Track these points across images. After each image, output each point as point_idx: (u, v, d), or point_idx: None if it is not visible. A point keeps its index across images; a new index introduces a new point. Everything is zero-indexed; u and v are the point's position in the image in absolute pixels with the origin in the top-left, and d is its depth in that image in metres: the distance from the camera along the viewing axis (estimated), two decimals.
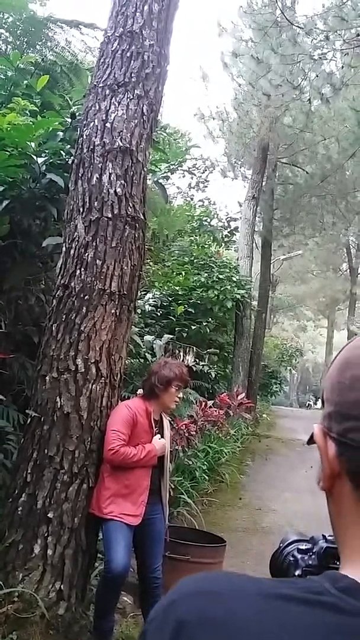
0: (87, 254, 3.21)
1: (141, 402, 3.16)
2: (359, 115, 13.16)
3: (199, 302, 10.64)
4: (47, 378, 3.12)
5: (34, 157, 4.18)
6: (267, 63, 9.86)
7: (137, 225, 3.33)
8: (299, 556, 0.77)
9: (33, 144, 4.12)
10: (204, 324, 10.38)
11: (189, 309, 10.63)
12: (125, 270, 3.27)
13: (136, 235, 3.33)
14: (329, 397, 0.58)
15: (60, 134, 4.51)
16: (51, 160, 4.32)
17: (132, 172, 3.35)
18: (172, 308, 10.28)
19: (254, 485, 9.03)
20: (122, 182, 3.30)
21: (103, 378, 3.14)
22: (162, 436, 3.14)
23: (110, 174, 3.30)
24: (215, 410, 8.65)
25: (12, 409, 4.05)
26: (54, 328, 3.20)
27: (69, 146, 4.40)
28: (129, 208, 3.30)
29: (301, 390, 38.32)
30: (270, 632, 0.46)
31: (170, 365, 3.23)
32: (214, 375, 10.78)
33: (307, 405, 33.83)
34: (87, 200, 3.28)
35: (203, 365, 9.55)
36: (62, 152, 4.43)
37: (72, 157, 4.12)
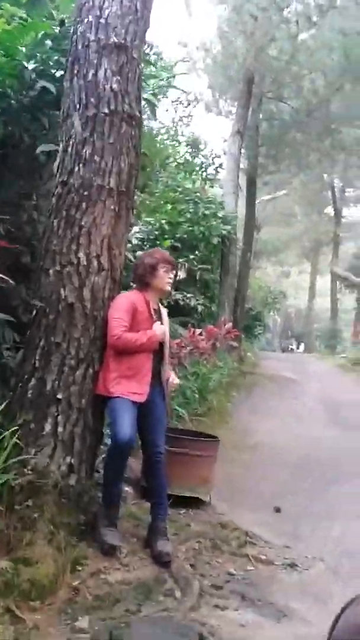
0: (84, 150, 3.27)
1: (138, 293, 3.32)
2: (345, 45, 12.92)
3: (185, 236, 10.68)
4: (50, 271, 3.23)
5: (25, 64, 4.14)
6: None
7: (133, 122, 3.38)
8: None
9: (24, 49, 4.07)
10: (191, 257, 10.47)
11: (176, 244, 10.66)
12: (123, 168, 3.34)
13: (133, 133, 3.39)
14: None
15: (49, 42, 4.45)
16: (41, 68, 4.27)
17: (127, 69, 3.37)
18: (158, 242, 10.31)
19: (240, 411, 9.38)
20: (118, 78, 3.33)
21: (104, 271, 3.26)
22: (162, 323, 3.31)
23: (105, 69, 3.32)
24: (203, 340, 8.88)
25: (7, 329, 4.16)
26: (54, 224, 3.29)
27: (56, 57, 4.34)
28: (125, 105, 3.34)
29: (284, 336, 38.91)
30: None
31: (150, 253, 3.45)
32: (199, 310, 10.96)
33: (289, 349, 34.49)
34: (84, 96, 3.31)
35: (190, 297, 9.71)
36: (50, 62, 4.37)
37: (59, 69, 4.09)
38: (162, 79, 5.31)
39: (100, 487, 3.18)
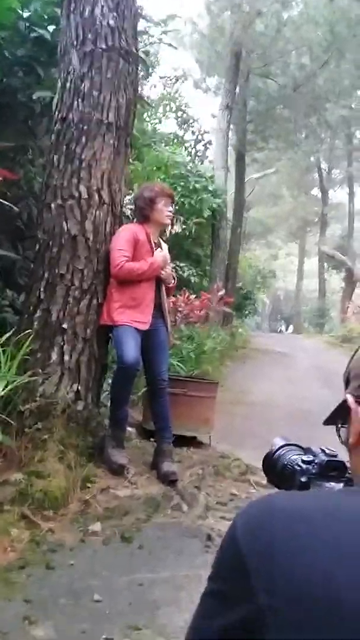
0: (83, 85, 3.32)
1: (139, 226, 3.39)
2: (330, 20, 12.96)
3: (176, 208, 10.75)
4: (52, 206, 3.29)
5: (20, 11, 4.15)
6: None
7: (130, 59, 3.43)
8: (304, 466, 0.86)
9: None
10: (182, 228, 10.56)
11: None
12: (121, 103, 3.40)
13: (130, 69, 3.44)
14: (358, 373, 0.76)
15: None
16: (35, 17, 4.28)
17: (123, 6, 3.42)
18: None
19: (235, 377, 9.53)
20: (114, 14, 3.37)
21: (105, 205, 3.33)
22: None
23: (102, 6, 3.36)
24: (197, 308, 8.97)
25: (5, 288, 4.19)
26: (55, 159, 3.34)
27: (49, 9, 4.36)
28: (122, 41, 3.39)
29: (272, 318, 39.17)
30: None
31: (148, 186, 3.49)
32: (192, 282, 11.05)
33: (278, 330, 34.78)
34: (81, 33, 3.35)
35: (182, 266, 9.79)
36: (44, 15, 4.39)
37: (52, 23, 4.10)
38: (153, 36, 5.34)
39: (107, 413, 3.28)
